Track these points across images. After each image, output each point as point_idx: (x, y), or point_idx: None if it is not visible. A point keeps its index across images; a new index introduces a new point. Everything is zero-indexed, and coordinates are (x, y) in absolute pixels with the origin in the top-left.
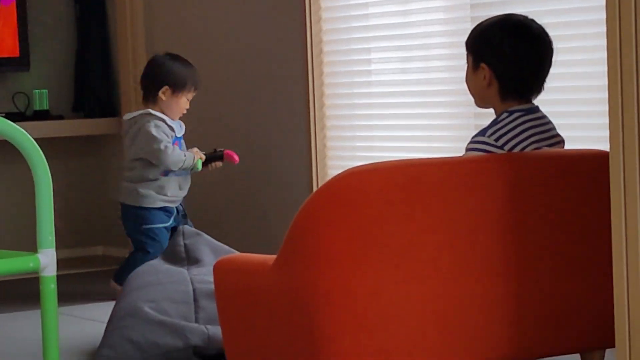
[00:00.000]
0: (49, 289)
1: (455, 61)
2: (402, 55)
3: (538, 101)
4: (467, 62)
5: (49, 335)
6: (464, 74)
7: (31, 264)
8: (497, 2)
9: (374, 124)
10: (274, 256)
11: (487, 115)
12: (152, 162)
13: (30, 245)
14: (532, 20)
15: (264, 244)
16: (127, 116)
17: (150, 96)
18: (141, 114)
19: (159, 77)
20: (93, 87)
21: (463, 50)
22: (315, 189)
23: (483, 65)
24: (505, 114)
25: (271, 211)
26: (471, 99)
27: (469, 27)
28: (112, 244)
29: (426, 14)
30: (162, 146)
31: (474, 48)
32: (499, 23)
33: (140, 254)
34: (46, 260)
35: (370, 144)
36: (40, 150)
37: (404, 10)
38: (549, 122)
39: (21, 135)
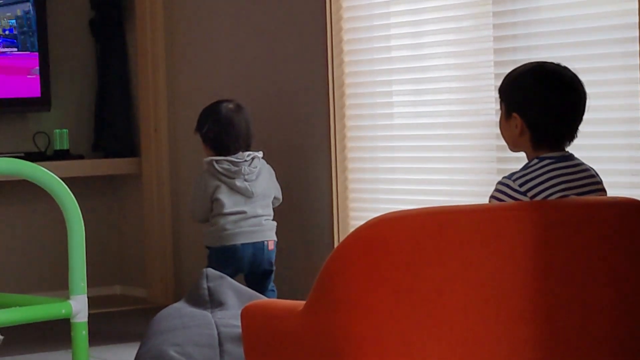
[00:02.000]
0: (81, 335)
1: (478, 105)
2: (424, 99)
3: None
4: (500, 109)
5: None
6: (485, 118)
7: (63, 311)
8: (520, 47)
9: (395, 166)
10: (303, 302)
11: (511, 160)
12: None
13: (50, 284)
14: (565, 68)
15: (287, 288)
16: (253, 154)
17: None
18: (262, 156)
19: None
20: (113, 127)
21: (485, 94)
22: (336, 233)
23: (515, 114)
24: (535, 160)
25: (292, 255)
26: (494, 143)
27: (492, 71)
28: (130, 284)
29: (447, 58)
30: None
31: (506, 97)
32: (530, 71)
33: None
34: (78, 306)
35: (392, 187)
36: (73, 198)
37: (425, 55)
38: (584, 170)
39: (55, 182)
